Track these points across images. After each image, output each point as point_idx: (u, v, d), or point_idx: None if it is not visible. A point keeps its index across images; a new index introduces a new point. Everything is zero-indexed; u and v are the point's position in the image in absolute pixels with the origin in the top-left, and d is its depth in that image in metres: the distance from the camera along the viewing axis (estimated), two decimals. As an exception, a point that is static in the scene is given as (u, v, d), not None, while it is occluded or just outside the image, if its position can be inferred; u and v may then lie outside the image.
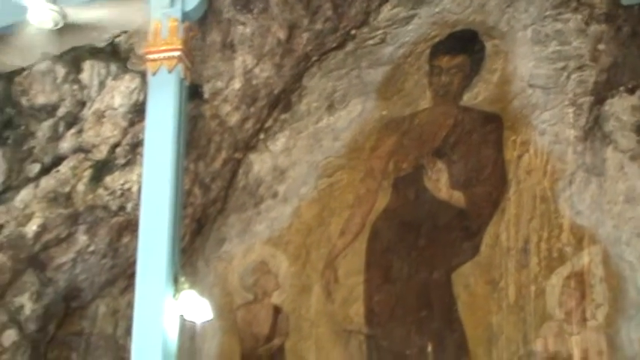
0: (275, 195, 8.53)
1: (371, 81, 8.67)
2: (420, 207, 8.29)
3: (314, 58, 8.56)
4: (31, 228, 7.36)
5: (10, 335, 7.48)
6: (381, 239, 8.35)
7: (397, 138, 8.59)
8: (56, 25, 6.59)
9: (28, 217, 7.36)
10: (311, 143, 8.72)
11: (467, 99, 8.41)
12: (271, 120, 8.66)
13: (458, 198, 8.16)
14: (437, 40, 8.58)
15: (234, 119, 8.13)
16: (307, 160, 8.62)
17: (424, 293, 8.02)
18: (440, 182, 8.27)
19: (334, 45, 8.57)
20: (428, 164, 8.37)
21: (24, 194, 7.38)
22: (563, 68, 7.95)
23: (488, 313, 7.75)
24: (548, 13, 8.08)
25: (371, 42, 8.58)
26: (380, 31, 8.51)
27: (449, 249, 8.04)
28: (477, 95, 8.36)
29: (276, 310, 8.44)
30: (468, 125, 8.34)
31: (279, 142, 8.69)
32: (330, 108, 8.72)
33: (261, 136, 8.66)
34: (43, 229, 7.41)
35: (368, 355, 8.00)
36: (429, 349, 7.57)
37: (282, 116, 8.69)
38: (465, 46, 8.48)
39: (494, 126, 8.21)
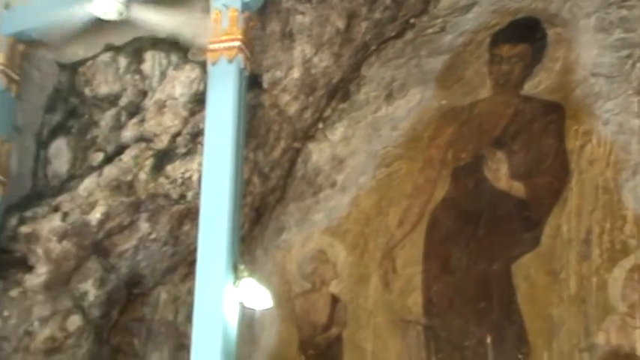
0: (333, 184, 8.53)
1: (430, 70, 8.60)
2: (480, 197, 8.16)
3: (373, 47, 8.56)
4: (95, 216, 7.42)
5: (75, 320, 7.56)
6: (440, 229, 8.25)
7: (456, 127, 8.49)
8: (120, 16, 6.63)
9: (92, 205, 7.42)
10: (369, 133, 8.69)
11: (528, 88, 8.28)
12: (330, 109, 8.67)
13: (518, 188, 8.01)
14: (497, 28, 8.48)
15: (293, 109, 8.14)
16: (365, 150, 8.58)
17: (483, 284, 7.88)
18: (500, 172, 8.14)
19: (393, 34, 8.56)
20: (488, 154, 8.26)
21: (88, 183, 7.44)
22: (628, 56, 7.76)
23: (548, 304, 7.60)
24: (612, 0, 7.89)
25: (430, 30, 8.54)
26: (439, 20, 8.49)
27: (509, 239, 7.89)
28: (539, 84, 8.22)
29: (334, 299, 8.41)
30: (528, 115, 8.19)
31: (337, 132, 8.69)
32: (389, 97, 8.67)
33: (320, 125, 8.67)
34: (107, 216, 7.47)
35: (426, 346, 7.91)
36: (488, 340, 7.42)
37: (341, 106, 8.70)
38: (526, 34, 8.35)
39: (555, 115, 8.05)
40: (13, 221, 7.16)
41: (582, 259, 7.54)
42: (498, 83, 8.39)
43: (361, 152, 8.55)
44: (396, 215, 8.35)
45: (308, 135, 8.63)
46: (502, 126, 8.26)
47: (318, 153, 8.53)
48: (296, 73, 7.89)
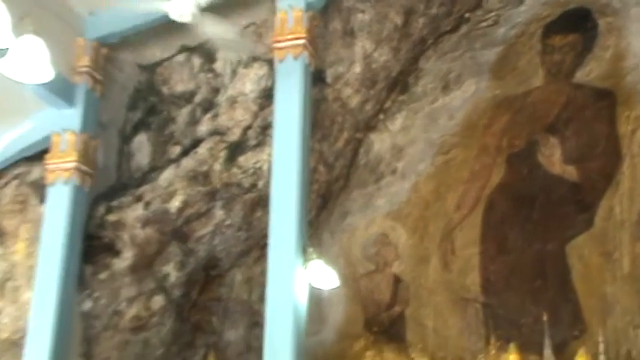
0: (394, 171, 8.54)
1: (485, 61, 8.55)
2: (534, 181, 8.19)
3: (429, 42, 8.43)
4: (174, 204, 7.55)
5: (158, 300, 7.69)
6: (496, 212, 8.28)
7: (510, 116, 8.49)
8: (194, 18, 6.61)
9: (171, 195, 7.55)
10: (427, 122, 8.68)
11: (579, 76, 8.24)
12: (390, 101, 8.60)
13: (571, 172, 8.02)
14: (549, 19, 8.38)
15: (355, 101, 8.10)
16: (424, 139, 8.59)
17: (539, 264, 7.92)
18: (553, 157, 8.15)
19: (448, 28, 8.42)
20: (541, 140, 8.25)
21: (167, 174, 7.56)
22: (678, 43, 7.64)
23: (602, 283, 7.62)
24: (663, -13, 7.75)
25: (484, 24, 8.42)
26: (493, 13, 8.34)
27: (563, 222, 7.92)
28: (590, 72, 8.17)
29: (397, 279, 8.47)
30: (580, 102, 8.16)
31: (397, 122, 8.65)
32: (445, 88, 8.66)
33: (381, 116, 8.63)
34: (185, 205, 7.58)
35: (485, 323, 7.96)
36: (544, 317, 7.40)
37: (400, 97, 8.63)
38: (577, 24, 8.26)
39: (607, 102, 8.01)
40: (101, 210, 7.29)
41: (635, 239, 7.54)
42: (550, 72, 8.35)
43: (420, 141, 8.58)
44: (453, 200, 8.40)
45: (369, 126, 8.60)
46: (555, 113, 8.24)
47: (379, 142, 8.54)
48: (357, 68, 7.86)
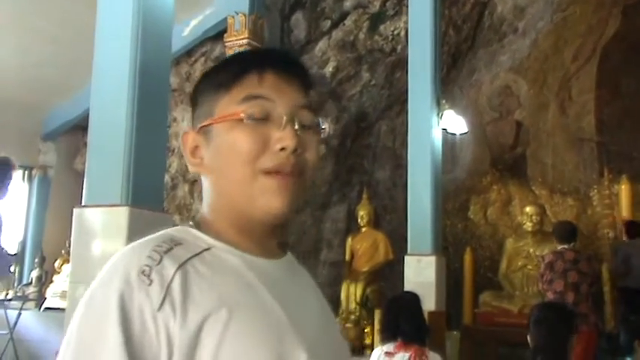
0: (516, 30, 8.20)
1: None
2: (649, 30, 7.67)
3: None
4: (328, 69, 7.69)
5: (320, 149, 8.11)
6: (611, 61, 7.89)
7: (627, -31, 7.83)
8: None
9: (325, 62, 7.68)
10: None
11: None
12: None
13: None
14: None
15: None
16: None
17: (652, 104, 7.56)
18: (668, 7, 7.54)
19: None
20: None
21: (321, 44, 7.66)
22: None
23: None
24: None
25: None
26: None
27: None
28: None
29: (518, 125, 8.37)
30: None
31: None
32: None
33: None
34: (337, 69, 7.70)
35: (598, 158, 7.83)
36: None
37: None
38: None
39: None
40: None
41: None
42: None
43: (539, 0, 8.06)
44: (570, 52, 8.05)
45: None
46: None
47: (502, 4, 8.10)
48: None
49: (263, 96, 0.98)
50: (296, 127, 0.97)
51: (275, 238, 1.04)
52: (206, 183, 1.02)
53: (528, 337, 2.79)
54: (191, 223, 1.02)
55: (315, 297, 1.06)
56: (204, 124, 1.01)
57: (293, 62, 1.04)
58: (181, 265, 0.90)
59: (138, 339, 0.85)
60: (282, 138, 0.96)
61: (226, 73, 1.01)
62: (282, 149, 0.96)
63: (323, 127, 1.05)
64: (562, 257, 5.11)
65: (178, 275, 0.89)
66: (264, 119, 0.98)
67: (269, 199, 0.96)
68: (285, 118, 0.97)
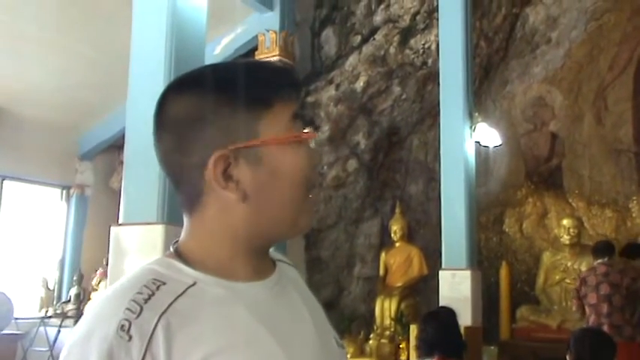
0: (549, 41, 8.08)
1: None
2: (685, 38, 7.50)
3: None
4: (359, 84, 7.71)
5: (352, 164, 8.02)
6: (648, 70, 7.75)
7: (663, -24, 7.67)
8: None
9: (356, 77, 7.70)
10: None
11: None
12: None
13: None
14: None
15: None
16: (576, 7, 7.97)
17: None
18: None
19: None
20: (693, -2, 7.47)
21: (352, 59, 7.70)
22: None
23: None
24: None
25: None
26: None
27: None
28: None
29: (553, 136, 8.21)
30: None
31: None
32: None
33: None
34: (368, 84, 7.71)
35: (637, 169, 7.63)
36: None
37: None
38: None
39: None
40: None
41: None
42: None
43: (572, 10, 7.98)
44: (606, 61, 7.86)
45: (524, 1, 8.12)
46: None
47: (534, 15, 8.05)
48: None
49: (300, 114, 1.00)
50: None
51: (268, 254, 1.03)
52: (227, 209, 0.94)
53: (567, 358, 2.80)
54: (171, 249, 0.97)
55: (306, 309, 1.02)
56: (248, 144, 0.93)
57: (296, 76, 1.05)
58: (162, 315, 0.86)
59: None
60: (321, 156, 0.99)
61: (260, 90, 0.95)
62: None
63: None
64: (595, 272, 5.29)
65: (160, 327, 0.86)
66: None
67: (309, 216, 0.99)
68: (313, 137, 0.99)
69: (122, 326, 0.85)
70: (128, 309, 0.86)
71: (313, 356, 0.96)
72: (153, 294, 0.88)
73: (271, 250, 1.05)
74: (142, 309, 0.86)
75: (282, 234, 0.98)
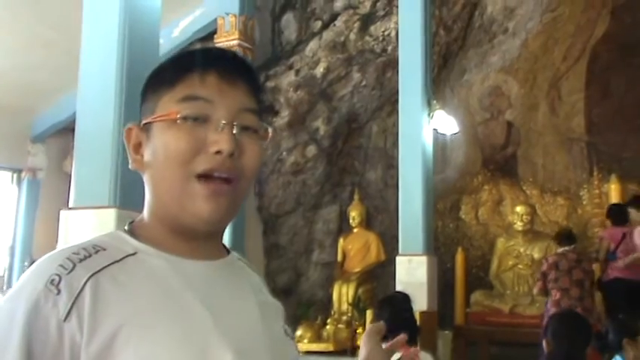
0: (505, 31, 8.14)
1: None
2: (637, 30, 7.64)
3: None
4: (319, 70, 7.71)
5: (311, 150, 8.04)
6: (600, 61, 7.87)
7: (615, -31, 7.82)
8: None
9: (316, 62, 7.70)
10: None
11: None
12: None
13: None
14: None
15: None
16: None
17: (640, 104, 7.57)
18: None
19: None
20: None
21: (312, 45, 7.68)
22: None
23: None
24: None
25: None
26: None
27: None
28: None
29: (509, 125, 8.33)
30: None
31: None
32: None
33: None
34: (328, 70, 7.72)
35: (588, 158, 7.80)
36: None
37: None
38: None
39: None
40: (261, 79, 7.41)
41: None
42: None
43: (529, 1, 8.01)
44: (560, 52, 7.99)
45: None
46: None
47: (492, 5, 8.07)
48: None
49: (203, 97, 0.95)
50: (234, 130, 0.94)
51: (214, 240, 1.01)
52: (145, 182, 0.99)
53: (543, 343, 2.94)
54: (126, 227, 0.99)
55: (254, 299, 1.01)
56: (145, 121, 0.98)
57: (238, 63, 1.01)
58: (94, 274, 0.87)
59: (39, 352, 0.83)
60: (218, 141, 0.93)
61: (170, 71, 0.98)
62: (218, 152, 0.93)
63: (269, 132, 1.02)
64: (565, 258, 5.59)
65: (89, 285, 0.86)
66: (202, 121, 0.94)
67: (199, 204, 0.94)
68: (223, 120, 0.94)
69: (52, 280, 0.86)
70: (61, 265, 0.87)
71: (249, 333, 0.95)
72: (89, 256, 0.89)
73: (237, 254, 1.07)
74: (74, 266, 0.87)
75: (179, 218, 0.95)
